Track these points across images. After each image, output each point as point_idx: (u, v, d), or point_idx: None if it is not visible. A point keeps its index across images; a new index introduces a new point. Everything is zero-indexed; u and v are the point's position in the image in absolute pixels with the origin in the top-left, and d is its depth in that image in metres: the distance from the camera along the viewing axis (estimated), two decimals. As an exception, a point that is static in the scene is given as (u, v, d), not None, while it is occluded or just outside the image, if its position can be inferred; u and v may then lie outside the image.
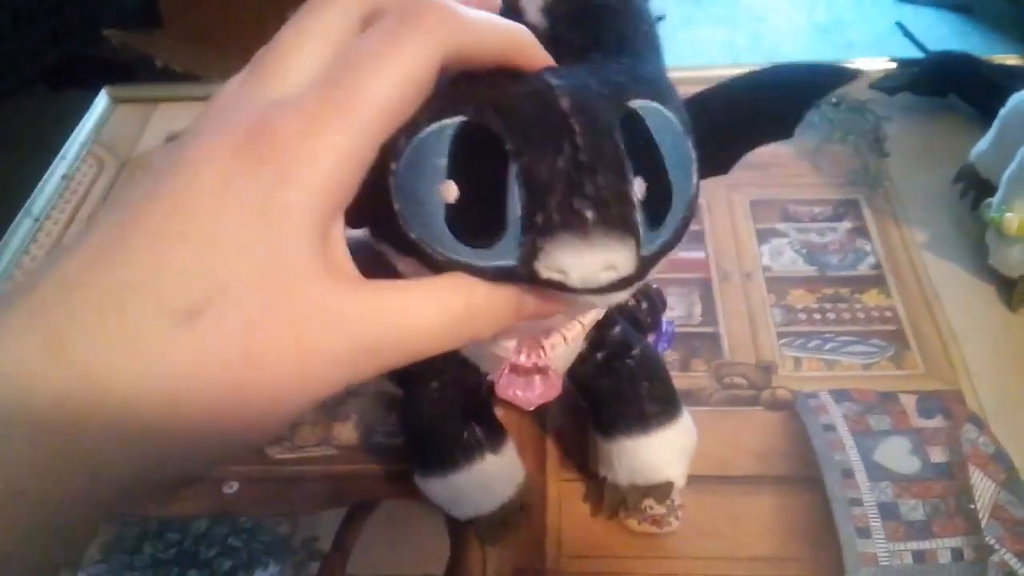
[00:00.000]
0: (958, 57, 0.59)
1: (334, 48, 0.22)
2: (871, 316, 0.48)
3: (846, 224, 0.53)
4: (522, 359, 0.32)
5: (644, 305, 0.42)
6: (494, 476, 0.38)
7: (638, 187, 0.23)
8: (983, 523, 0.39)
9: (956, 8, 1.76)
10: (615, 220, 0.22)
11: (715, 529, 0.39)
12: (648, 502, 0.39)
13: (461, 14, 0.22)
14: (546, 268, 0.23)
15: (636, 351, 0.37)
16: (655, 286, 0.45)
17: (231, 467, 0.43)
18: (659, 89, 0.25)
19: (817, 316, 0.48)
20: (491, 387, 0.34)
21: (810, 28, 1.88)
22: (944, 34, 1.72)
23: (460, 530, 0.40)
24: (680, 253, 0.56)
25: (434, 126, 0.23)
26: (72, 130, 0.66)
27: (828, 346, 0.47)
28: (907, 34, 0.66)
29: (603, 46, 0.25)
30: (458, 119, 0.23)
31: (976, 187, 0.52)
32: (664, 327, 0.45)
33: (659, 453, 0.38)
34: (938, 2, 1.78)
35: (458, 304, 0.23)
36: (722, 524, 0.40)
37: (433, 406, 0.36)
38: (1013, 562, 0.37)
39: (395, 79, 0.21)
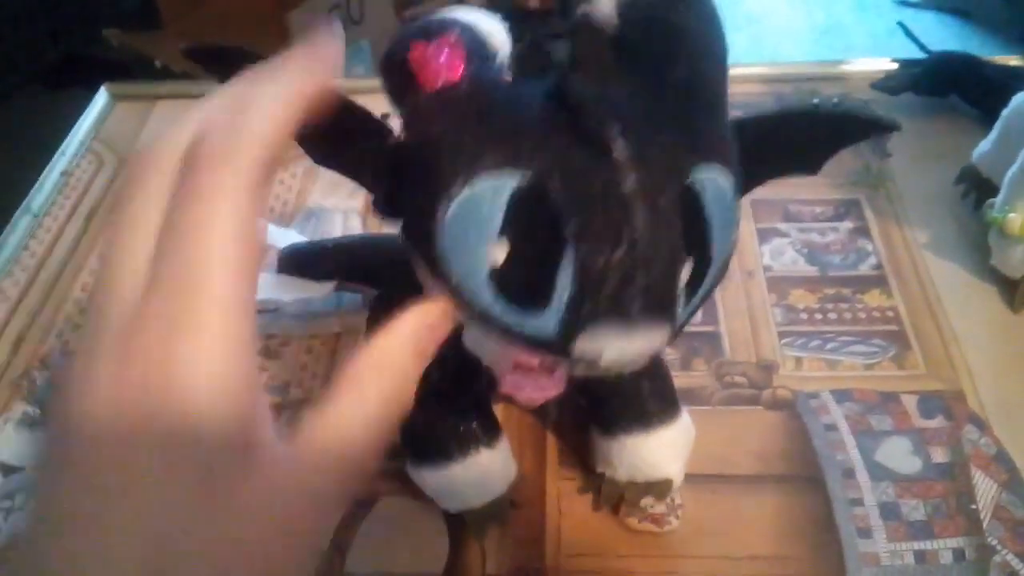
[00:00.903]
0: (960, 57, 0.59)
1: (157, 232, 0.19)
2: (872, 316, 0.48)
3: (848, 224, 0.53)
4: (527, 356, 0.32)
5: None
6: (488, 470, 0.38)
7: (685, 272, 0.23)
8: (985, 524, 0.38)
9: (954, 11, 1.77)
10: (659, 311, 0.23)
11: (715, 528, 0.39)
12: (647, 500, 0.39)
13: (250, 131, 0.19)
14: (582, 349, 0.23)
15: None
16: None
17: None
18: (722, 150, 0.24)
19: (818, 316, 0.48)
20: (492, 381, 0.34)
21: (809, 31, 1.88)
22: (943, 37, 1.73)
23: (459, 528, 0.40)
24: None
25: (493, 177, 0.22)
26: (71, 128, 0.66)
27: (829, 346, 0.47)
28: (909, 34, 0.66)
29: (673, 75, 0.24)
30: (518, 177, 0.22)
31: (978, 188, 0.52)
32: None
33: (659, 451, 0.38)
34: (937, 5, 1.78)
35: (372, 399, 0.22)
36: (722, 523, 0.39)
37: (432, 396, 0.36)
38: (1015, 563, 0.37)
39: (220, 242, 0.19)
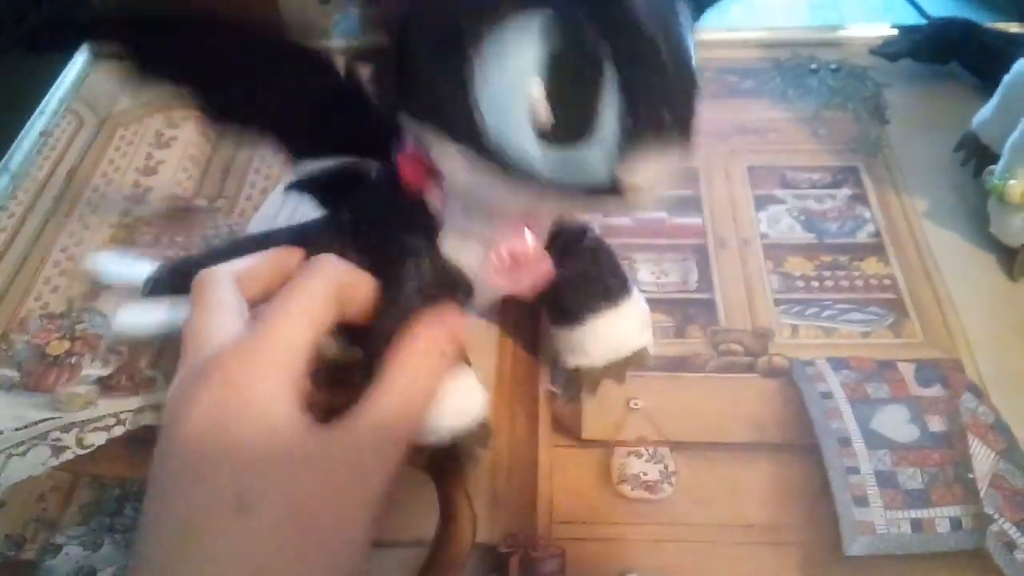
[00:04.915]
0: (960, 23, 0.58)
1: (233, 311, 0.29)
2: (870, 284, 0.47)
3: (845, 191, 0.52)
4: (504, 249, 0.31)
5: None
6: (462, 386, 0.36)
7: None
8: (982, 493, 0.38)
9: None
10: (688, 123, 0.23)
11: (709, 496, 0.39)
12: (640, 463, 0.39)
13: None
14: (626, 177, 0.23)
15: (590, 233, 0.37)
16: None
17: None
18: None
19: (815, 283, 0.48)
20: (469, 292, 0.34)
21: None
22: (943, 2, 1.71)
23: (450, 496, 0.39)
24: (676, 219, 0.55)
25: (520, 18, 0.22)
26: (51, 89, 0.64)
27: (826, 314, 0.46)
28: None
29: None
30: (545, 11, 0.22)
31: (978, 155, 0.51)
32: None
33: (629, 323, 0.39)
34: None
35: (398, 392, 0.29)
36: (716, 491, 0.39)
37: (407, 309, 0.33)
38: (1012, 531, 0.37)
39: (304, 302, 0.28)
